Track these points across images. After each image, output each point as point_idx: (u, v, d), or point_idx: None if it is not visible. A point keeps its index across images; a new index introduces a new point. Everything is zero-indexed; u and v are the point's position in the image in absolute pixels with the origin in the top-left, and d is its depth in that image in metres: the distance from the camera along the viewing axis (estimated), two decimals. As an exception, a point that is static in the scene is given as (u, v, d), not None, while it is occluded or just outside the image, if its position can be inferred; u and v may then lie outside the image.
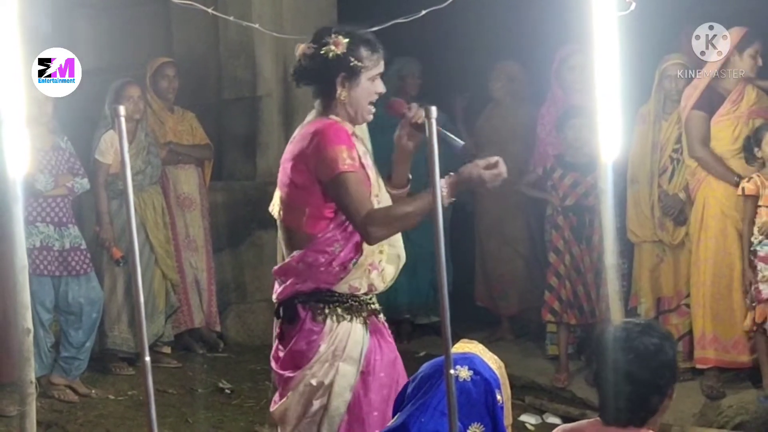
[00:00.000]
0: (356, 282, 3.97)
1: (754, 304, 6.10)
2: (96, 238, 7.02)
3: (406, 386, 3.68)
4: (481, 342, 3.74)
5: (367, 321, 4.03)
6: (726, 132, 6.32)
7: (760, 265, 6.07)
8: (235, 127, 8.20)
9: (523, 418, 6.41)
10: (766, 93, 6.35)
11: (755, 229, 6.10)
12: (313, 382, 3.97)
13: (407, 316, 8.02)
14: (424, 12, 4.45)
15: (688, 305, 6.52)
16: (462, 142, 4.04)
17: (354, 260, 3.94)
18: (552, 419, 6.35)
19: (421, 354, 6.96)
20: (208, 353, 7.74)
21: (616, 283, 2.93)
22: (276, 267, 4.08)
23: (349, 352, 3.95)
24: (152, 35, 8.24)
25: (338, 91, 4.00)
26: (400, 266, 4.14)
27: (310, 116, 4.07)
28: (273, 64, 8.09)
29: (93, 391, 6.83)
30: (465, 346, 3.64)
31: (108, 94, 6.97)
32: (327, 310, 3.95)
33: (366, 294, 4.02)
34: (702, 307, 6.34)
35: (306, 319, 3.97)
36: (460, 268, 7.73)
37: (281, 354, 4.10)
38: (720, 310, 6.28)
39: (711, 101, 6.32)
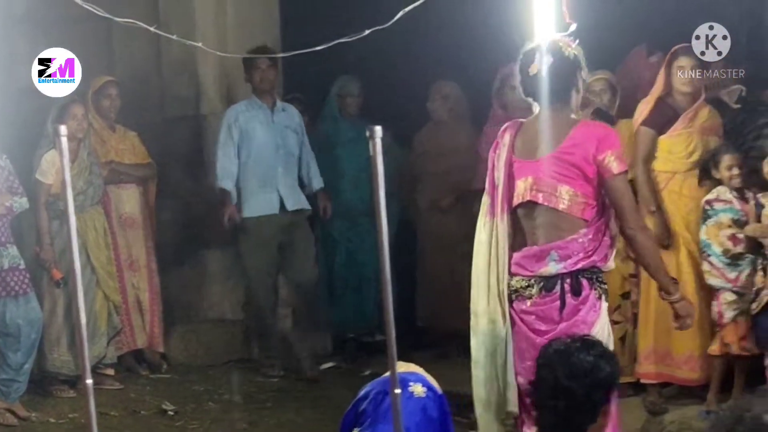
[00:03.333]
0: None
1: (716, 329, 6.20)
2: (36, 258, 6.93)
3: (357, 404, 3.66)
4: (427, 360, 3.76)
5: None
6: (680, 147, 6.39)
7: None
8: (179, 145, 8.16)
9: (470, 436, 6.41)
10: (728, 104, 6.45)
11: (720, 251, 6.19)
12: None
13: (352, 335, 8.01)
14: (367, 32, 4.46)
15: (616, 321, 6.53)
16: None
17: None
18: (497, 437, 6.36)
19: (367, 373, 6.95)
20: (151, 374, 7.67)
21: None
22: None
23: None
24: (94, 53, 8.17)
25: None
26: None
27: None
28: (216, 82, 8.08)
29: (33, 415, 6.74)
30: (405, 366, 3.64)
31: (51, 113, 6.89)
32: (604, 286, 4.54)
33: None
34: (647, 324, 6.40)
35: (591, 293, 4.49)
36: (404, 288, 7.73)
37: (548, 328, 4.48)
38: (670, 327, 6.32)
39: (663, 117, 6.39)
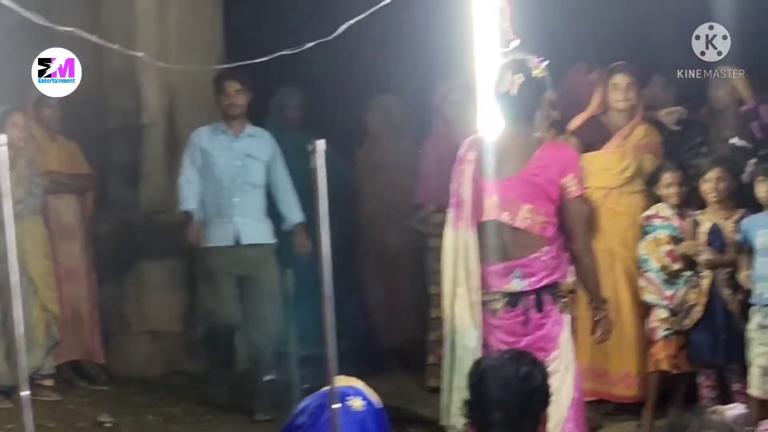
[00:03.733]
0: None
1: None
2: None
3: (294, 419, 3.66)
4: (364, 375, 3.76)
5: None
6: (613, 163, 6.46)
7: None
8: (119, 156, 8.11)
9: (407, 450, 6.43)
10: (664, 124, 6.53)
11: (657, 267, 6.25)
12: (560, 366, 4.59)
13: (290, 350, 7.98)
14: (310, 44, 4.48)
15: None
16: None
17: None
18: (435, 451, 6.38)
19: (306, 386, 6.92)
20: (89, 386, 7.60)
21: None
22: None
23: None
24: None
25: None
26: None
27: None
28: (158, 93, 8.04)
29: (-31, 425, 6.66)
30: (345, 380, 3.65)
31: (-9, 121, 6.82)
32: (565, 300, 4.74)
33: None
34: (584, 341, 6.44)
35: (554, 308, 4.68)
36: (344, 302, 7.70)
37: (513, 340, 4.63)
38: (608, 345, 6.37)
39: (592, 134, 6.45)
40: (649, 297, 6.29)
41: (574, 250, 4.72)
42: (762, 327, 5.79)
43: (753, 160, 6.30)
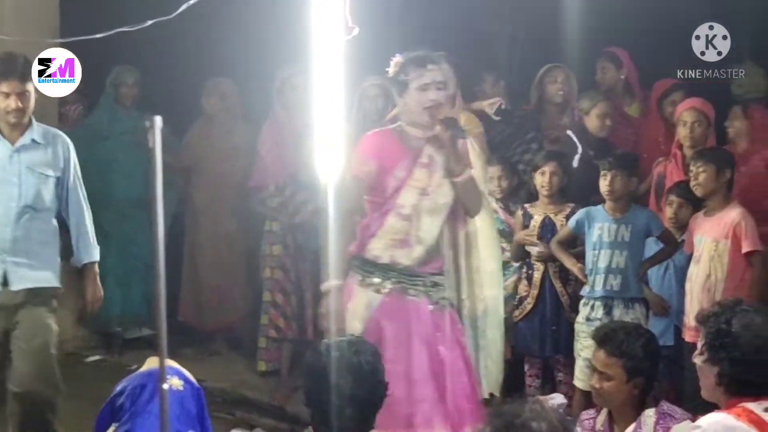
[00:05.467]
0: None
1: None
2: None
3: (113, 400, 3.64)
4: (193, 357, 3.77)
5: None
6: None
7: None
8: None
9: (233, 432, 6.43)
10: (487, 115, 6.65)
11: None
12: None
13: (119, 329, 7.90)
14: (150, 22, 4.44)
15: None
16: None
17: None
18: (262, 435, 6.41)
19: (133, 367, 6.85)
20: None
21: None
22: None
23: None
24: None
25: None
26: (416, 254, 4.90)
27: None
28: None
29: None
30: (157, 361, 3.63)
31: None
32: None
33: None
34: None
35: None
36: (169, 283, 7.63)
37: None
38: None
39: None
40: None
41: None
42: (589, 320, 5.93)
43: (578, 153, 6.51)
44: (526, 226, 6.33)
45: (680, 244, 6.03)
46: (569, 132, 6.65)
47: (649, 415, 4.25)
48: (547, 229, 6.28)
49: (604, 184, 5.98)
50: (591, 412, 4.57)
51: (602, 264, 5.94)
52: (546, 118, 6.97)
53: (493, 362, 5.27)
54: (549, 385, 6.36)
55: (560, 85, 6.90)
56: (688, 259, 5.89)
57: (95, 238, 5.58)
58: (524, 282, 6.34)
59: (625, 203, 5.99)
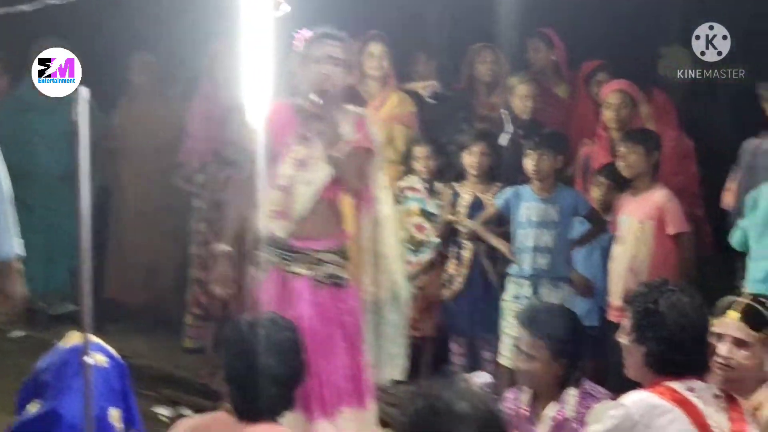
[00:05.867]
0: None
1: None
2: None
3: (36, 376, 3.61)
4: (119, 332, 3.75)
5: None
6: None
7: None
8: None
9: (157, 409, 6.38)
10: (420, 96, 6.67)
11: (404, 235, 6.35)
12: None
13: (42, 305, 7.81)
14: (77, -5, 4.38)
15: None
16: None
17: None
18: (186, 411, 6.36)
19: (53, 342, 6.79)
20: None
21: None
22: None
23: None
24: None
25: None
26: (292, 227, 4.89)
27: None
28: None
29: None
30: (80, 336, 3.59)
31: None
32: None
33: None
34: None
35: None
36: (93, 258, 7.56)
37: None
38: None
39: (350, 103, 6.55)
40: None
41: None
42: (516, 298, 5.98)
43: (507, 133, 6.54)
44: (453, 205, 6.35)
45: (607, 224, 6.08)
46: (504, 111, 6.66)
47: (572, 393, 4.29)
48: (476, 208, 6.30)
49: (529, 164, 6.00)
50: (515, 390, 4.60)
51: (530, 243, 5.98)
52: (476, 97, 7.00)
53: (396, 347, 5.27)
54: (475, 364, 6.38)
55: (490, 65, 6.94)
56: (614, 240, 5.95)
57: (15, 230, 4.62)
58: (454, 261, 6.36)
59: (552, 183, 6.03)
